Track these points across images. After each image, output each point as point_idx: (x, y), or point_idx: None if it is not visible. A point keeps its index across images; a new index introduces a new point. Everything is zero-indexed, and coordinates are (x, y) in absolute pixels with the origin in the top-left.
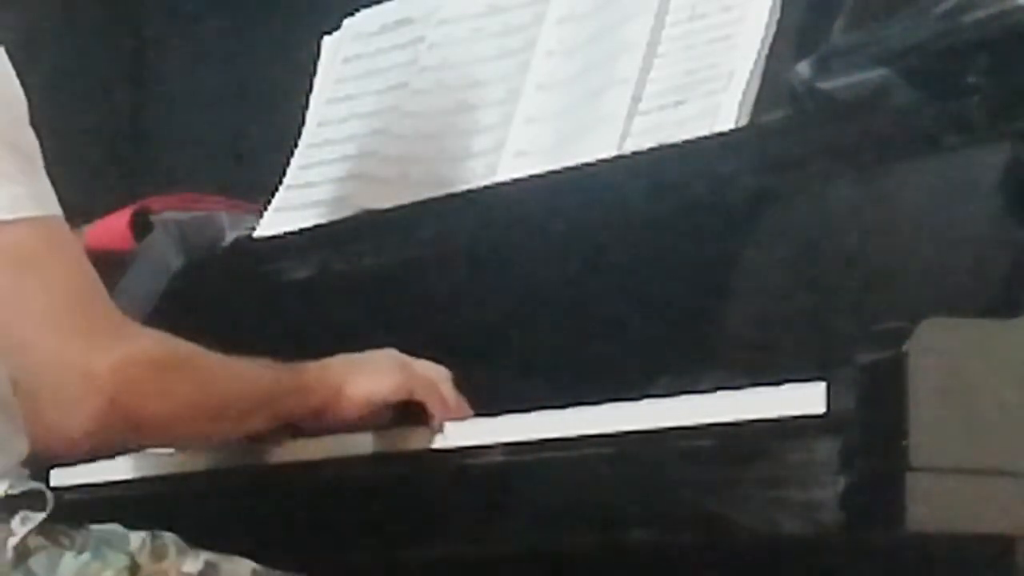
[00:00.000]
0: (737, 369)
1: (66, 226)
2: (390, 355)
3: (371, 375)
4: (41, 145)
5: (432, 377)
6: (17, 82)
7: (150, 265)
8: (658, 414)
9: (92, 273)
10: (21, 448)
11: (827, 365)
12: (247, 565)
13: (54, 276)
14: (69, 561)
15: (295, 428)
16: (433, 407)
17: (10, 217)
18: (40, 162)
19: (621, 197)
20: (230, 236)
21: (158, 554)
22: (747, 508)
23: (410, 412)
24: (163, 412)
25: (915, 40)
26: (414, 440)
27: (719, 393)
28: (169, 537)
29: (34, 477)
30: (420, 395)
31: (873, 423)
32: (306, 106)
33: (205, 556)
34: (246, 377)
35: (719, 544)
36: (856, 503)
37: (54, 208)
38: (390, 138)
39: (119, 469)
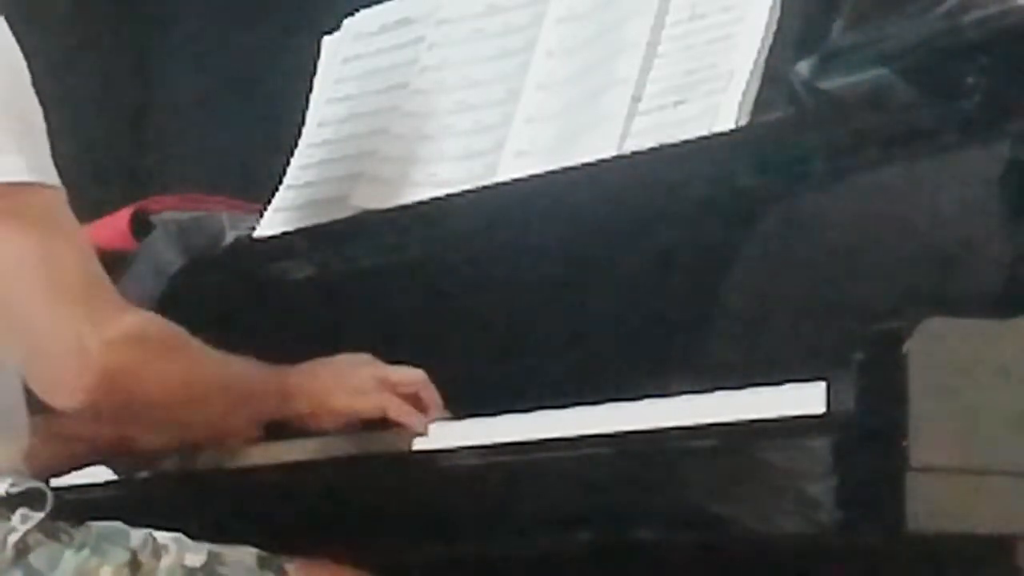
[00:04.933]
0: (737, 369)
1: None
2: (371, 372)
3: (352, 393)
4: None
5: (408, 389)
6: (18, 50)
7: (150, 265)
8: (658, 414)
9: (92, 251)
10: (23, 442)
11: (827, 365)
12: (251, 552)
13: (59, 247)
14: (70, 557)
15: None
16: (408, 423)
17: (29, 180)
18: (45, 133)
19: (621, 197)
20: (230, 236)
21: (159, 551)
22: (747, 508)
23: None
24: (151, 393)
25: (915, 40)
26: (414, 441)
27: (719, 393)
28: (171, 535)
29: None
30: (393, 415)
31: (873, 423)
32: (306, 106)
33: (208, 547)
34: (231, 370)
35: (719, 544)
36: (856, 503)
37: (58, 181)
38: (390, 138)
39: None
